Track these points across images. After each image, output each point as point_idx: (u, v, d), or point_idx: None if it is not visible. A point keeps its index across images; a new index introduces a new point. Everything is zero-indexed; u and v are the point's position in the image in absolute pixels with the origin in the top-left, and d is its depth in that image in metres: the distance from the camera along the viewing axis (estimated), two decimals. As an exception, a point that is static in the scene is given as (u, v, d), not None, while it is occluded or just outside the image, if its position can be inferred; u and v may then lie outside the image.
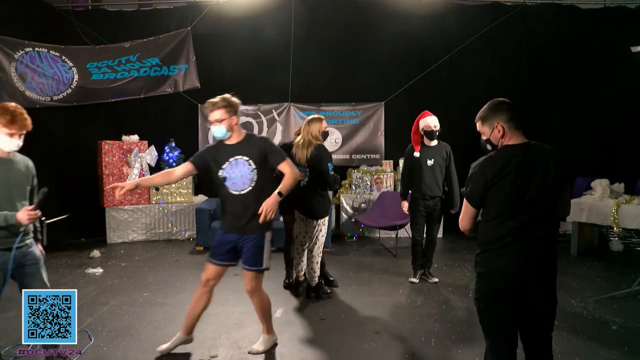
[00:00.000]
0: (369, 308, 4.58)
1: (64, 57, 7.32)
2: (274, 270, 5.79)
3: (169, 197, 7.57)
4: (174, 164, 7.57)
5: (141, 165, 7.40)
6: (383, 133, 8.17)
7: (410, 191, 5.26)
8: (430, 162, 5.09)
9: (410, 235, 5.41)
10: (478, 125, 2.45)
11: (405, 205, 5.27)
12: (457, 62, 7.95)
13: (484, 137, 2.43)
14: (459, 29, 7.85)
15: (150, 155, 7.44)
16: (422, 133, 5.12)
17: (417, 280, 5.33)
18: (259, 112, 8.10)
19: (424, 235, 5.36)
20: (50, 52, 7.24)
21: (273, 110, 8.10)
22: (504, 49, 7.99)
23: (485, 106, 2.43)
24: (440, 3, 7.87)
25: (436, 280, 5.35)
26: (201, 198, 7.78)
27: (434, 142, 5.17)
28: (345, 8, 7.92)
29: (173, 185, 7.55)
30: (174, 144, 7.62)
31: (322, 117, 4.77)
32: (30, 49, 7.07)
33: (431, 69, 7.97)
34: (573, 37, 7.86)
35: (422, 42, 8.01)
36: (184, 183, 7.61)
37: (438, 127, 5.12)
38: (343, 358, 3.52)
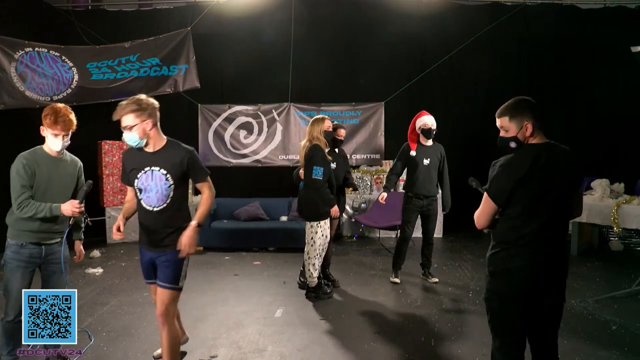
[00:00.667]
0: (369, 308, 4.58)
1: (64, 57, 7.33)
2: (274, 270, 5.81)
3: (169, 197, 7.56)
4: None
5: (141, 165, 7.40)
6: (383, 133, 8.18)
7: (404, 190, 5.27)
8: (426, 162, 5.10)
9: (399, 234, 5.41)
10: (504, 121, 2.40)
11: (384, 197, 5.17)
12: (457, 62, 7.95)
13: (507, 134, 2.38)
14: (459, 29, 7.86)
15: (150, 155, 7.44)
16: (419, 132, 5.14)
17: (399, 281, 5.31)
18: (259, 112, 8.11)
19: (421, 235, 5.38)
20: (50, 52, 7.24)
21: (273, 110, 8.10)
22: (504, 49, 8.00)
23: (511, 103, 2.40)
24: (440, 3, 7.87)
25: (436, 280, 5.35)
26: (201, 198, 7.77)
27: (430, 142, 5.19)
28: (345, 8, 7.93)
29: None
30: (174, 144, 7.62)
31: (326, 117, 4.75)
32: (30, 49, 7.07)
33: (431, 69, 7.97)
34: (573, 37, 7.87)
35: (422, 42, 8.02)
36: (184, 183, 7.60)
37: (435, 127, 5.14)
38: (343, 358, 3.52)
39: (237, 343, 3.76)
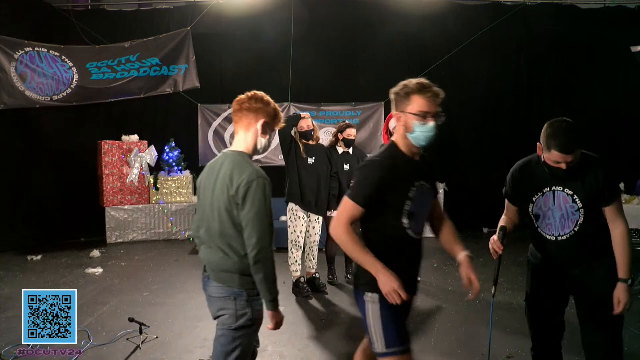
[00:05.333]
0: (369, 308, 4.58)
1: (64, 57, 7.32)
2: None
3: (169, 197, 7.57)
4: (174, 164, 7.57)
5: (141, 165, 7.40)
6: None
7: None
8: None
9: None
10: (577, 154, 2.26)
11: None
12: (457, 62, 7.94)
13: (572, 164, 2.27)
14: (459, 29, 7.86)
15: (150, 155, 7.44)
16: (392, 132, 5.17)
17: None
18: (259, 112, 8.10)
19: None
20: (50, 52, 7.24)
21: (273, 110, 8.09)
22: (504, 49, 7.99)
23: (576, 131, 2.29)
24: (440, 3, 7.87)
25: (419, 279, 5.33)
26: (201, 198, 7.77)
27: None
28: (345, 8, 7.92)
29: (173, 185, 7.55)
30: (174, 144, 7.63)
31: (307, 116, 4.91)
32: (30, 49, 7.07)
33: (431, 69, 7.96)
34: (573, 37, 7.86)
35: (422, 42, 8.01)
36: (184, 183, 7.60)
37: None
38: (343, 358, 3.52)
39: (237, 343, 3.75)
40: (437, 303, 4.68)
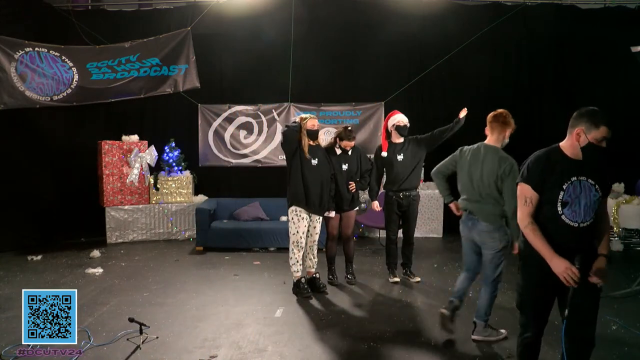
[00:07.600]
0: (369, 308, 4.58)
1: (64, 57, 7.32)
2: (274, 270, 5.81)
3: (169, 197, 7.57)
4: (174, 164, 7.57)
5: (141, 165, 7.40)
6: (383, 133, 8.16)
7: (384, 190, 5.35)
8: (400, 157, 5.18)
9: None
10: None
11: (375, 204, 5.38)
12: (457, 62, 7.94)
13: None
14: (459, 29, 7.85)
15: (150, 155, 7.44)
16: (393, 129, 5.24)
17: (399, 279, 5.36)
18: (259, 112, 8.10)
19: (401, 235, 5.43)
20: (50, 52, 7.24)
21: (273, 110, 8.10)
22: (504, 49, 7.99)
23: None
24: (440, 3, 7.87)
25: (418, 279, 5.37)
26: (201, 198, 7.78)
27: (401, 139, 5.25)
28: (345, 8, 7.91)
29: (173, 185, 7.56)
30: (174, 144, 7.63)
31: (310, 116, 4.92)
32: (30, 49, 7.07)
33: (431, 69, 7.97)
34: (573, 37, 7.86)
35: (422, 42, 8.01)
36: (184, 183, 7.60)
37: (408, 123, 5.26)
38: (343, 358, 3.52)
39: (237, 343, 3.76)
40: (437, 303, 4.68)
